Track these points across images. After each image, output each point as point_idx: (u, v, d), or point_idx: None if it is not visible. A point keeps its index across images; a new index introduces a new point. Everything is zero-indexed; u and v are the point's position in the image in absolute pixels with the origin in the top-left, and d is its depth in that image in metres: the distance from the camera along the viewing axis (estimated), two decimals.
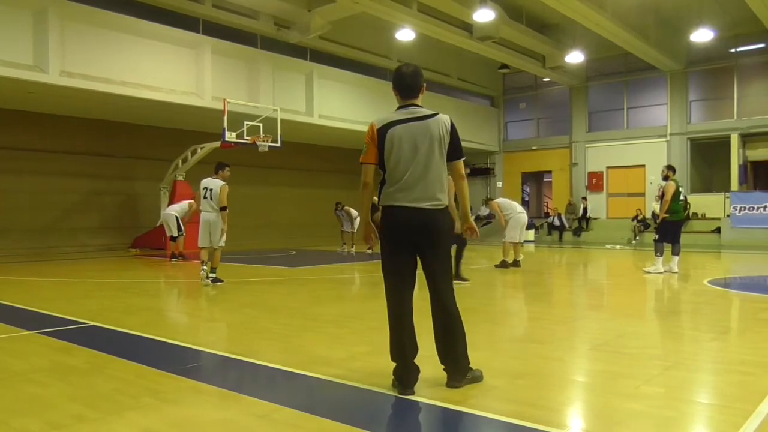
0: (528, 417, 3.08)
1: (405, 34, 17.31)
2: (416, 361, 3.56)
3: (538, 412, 3.18)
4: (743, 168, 20.37)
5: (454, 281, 8.68)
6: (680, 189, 10.17)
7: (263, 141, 14.76)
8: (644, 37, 18.26)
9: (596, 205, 22.75)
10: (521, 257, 11.67)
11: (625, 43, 18.12)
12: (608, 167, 22.73)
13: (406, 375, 3.52)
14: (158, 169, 16.76)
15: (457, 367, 3.61)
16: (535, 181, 27.48)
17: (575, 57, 19.36)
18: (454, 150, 3.62)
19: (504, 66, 22.55)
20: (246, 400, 3.45)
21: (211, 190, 8.81)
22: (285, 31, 16.99)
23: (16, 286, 9.18)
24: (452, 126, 3.62)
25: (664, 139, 21.36)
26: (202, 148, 15.71)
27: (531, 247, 18.86)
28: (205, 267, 8.93)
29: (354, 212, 16.10)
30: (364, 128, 3.79)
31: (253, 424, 3.09)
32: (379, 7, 14.86)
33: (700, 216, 20.00)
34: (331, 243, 18.17)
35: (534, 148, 24.71)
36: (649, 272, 10.25)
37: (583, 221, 22.45)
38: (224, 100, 14.22)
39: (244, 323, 6.09)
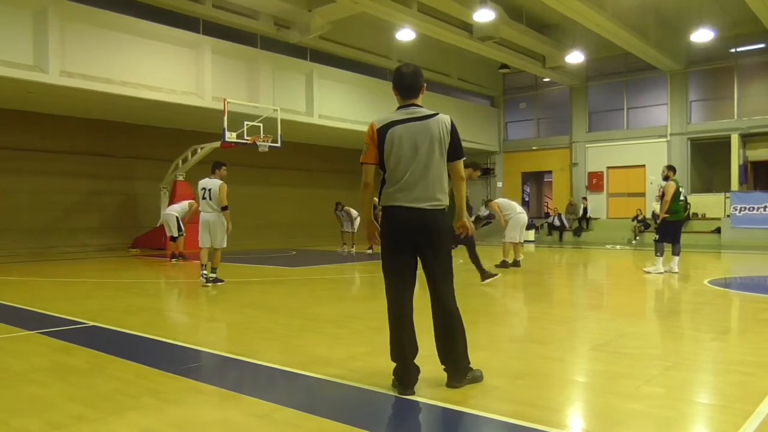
0: (528, 417, 3.08)
1: (405, 34, 17.31)
2: (416, 361, 3.56)
3: (538, 412, 3.18)
4: (743, 168, 20.37)
5: (486, 281, 8.73)
6: (680, 189, 10.16)
7: (263, 141, 14.76)
8: (644, 37, 18.26)
9: (596, 205, 22.75)
10: (521, 257, 11.67)
11: (625, 43, 18.13)
12: (608, 167, 22.73)
13: (406, 375, 3.52)
14: (158, 169, 16.77)
15: (458, 367, 3.61)
16: (536, 182, 27.47)
17: (575, 57, 19.36)
18: (455, 150, 3.62)
19: (504, 66, 22.55)
20: (246, 400, 3.45)
21: (209, 190, 8.77)
22: (285, 31, 16.99)
23: (16, 286, 9.17)
24: (452, 126, 3.61)
25: (664, 139, 21.36)
26: (202, 148, 15.71)
27: (531, 247, 18.86)
28: (204, 272, 8.84)
29: (354, 212, 16.10)
30: (364, 128, 3.78)
31: (253, 424, 3.09)
32: (379, 7, 14.86)
33: (700, 216, 19.99)
34: (331, 243, 18.16)
35: (534, 148, 24.70)
36: (649, 272, 10.25)
37: (584, 221, 22.44)
38: (224, 100, 14.22)
39: (244, 323, 6.09)
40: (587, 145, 23.15)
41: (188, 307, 7.72)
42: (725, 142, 20.17)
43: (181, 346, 4.94)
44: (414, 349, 3.59)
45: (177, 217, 13.44)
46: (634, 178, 22.03)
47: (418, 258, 3.60)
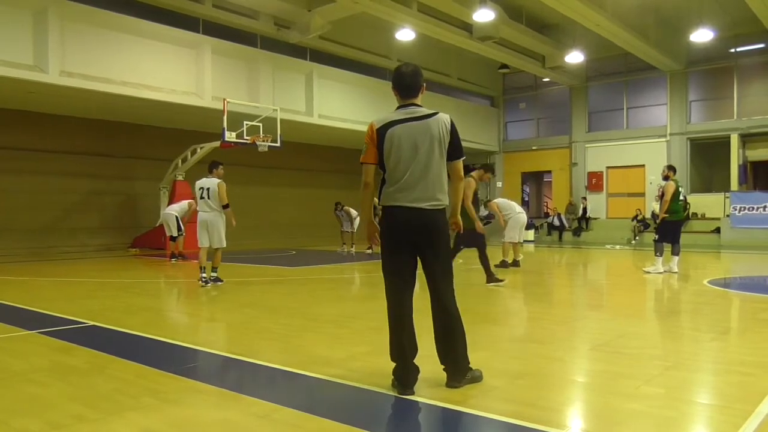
0: (528, 417, 3.08)
1: (405, 34, 17.31)
2: (416, 361, 3.56)
3: (538, 412, 3.18)
4: (743, 168, 20.37)
5: (492, 284, 8.67)
6: (680, 189, 10.17)
7: (263, 141, 14.76)
8: (644, 37, 18.27)
9: (596, 205, 22.75)
10: (521, 257, 11.69)
11: (625, 43, 18.13)
12: (608, 167, 22.74)
13: (405, 375, 3.52)
14: (158, 169, 16.77)
15: (457, 367, 3.60)
16: (535, 181, 27.47)
17: (575, 57, 19.37)
18: (455, 149, 3.61)
19: (504, 66, 22.56)
20: (246, 400, 3.45)
21: (208, 189, 8.71)
22: (285, 31, 16.99)
23: (16, 286, 9.17)
24: (452, 125, 3.60)
25: (663, 139, 21.36)
26: (202, 148, 15.72)
27: (531, 247, 18.87)
28: (203, 275, 8.77)
29: (354, 212, 16.10)
30: (364, 128, 3.78)
31: (253, 424, 3.09)
32: (379, 7, 14.87)
33: (699, 216, 20.01)
34: (331, 243, 18.17)
35: (534, 148, 24.71)
36: (648, 272, 10.25)
37: (583, 221, 22.44)
38: (224, 100, 14.22)
39: (244, 323, 6.09)
40: (587, 145, 23.16)
41: (188, 307, 7.72)
42: (725, 142, 20.18)
43: (181, 346, 4.94)
44: (414, 349, 3.59)
45: (176, 217, 13.44)
46: (634, 178, 22.04)
47: (418, 258, 3.60)
